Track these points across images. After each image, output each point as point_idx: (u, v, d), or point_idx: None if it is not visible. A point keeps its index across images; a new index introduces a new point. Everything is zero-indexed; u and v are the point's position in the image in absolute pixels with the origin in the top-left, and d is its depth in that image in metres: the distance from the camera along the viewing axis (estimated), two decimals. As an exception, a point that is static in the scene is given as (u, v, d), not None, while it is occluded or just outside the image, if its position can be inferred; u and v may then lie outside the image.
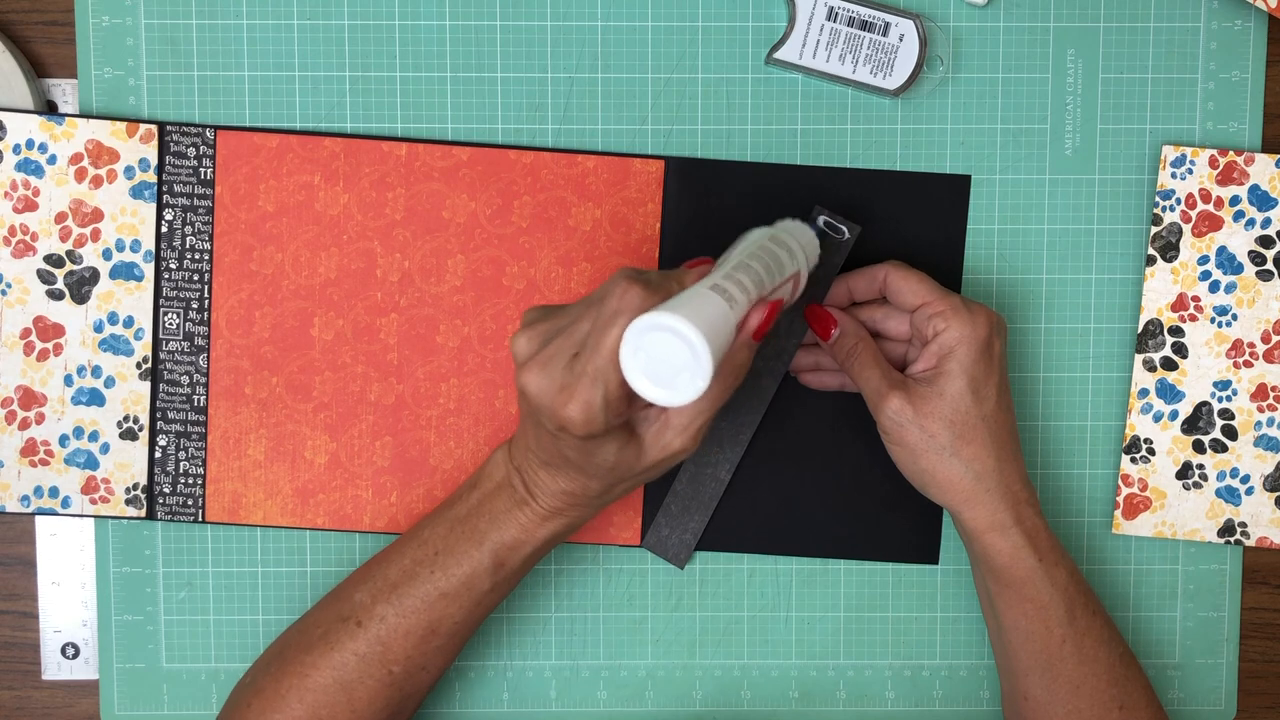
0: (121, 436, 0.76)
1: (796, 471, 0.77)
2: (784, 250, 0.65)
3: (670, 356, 0.55)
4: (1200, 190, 0.76)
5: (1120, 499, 0.78)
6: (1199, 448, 0.77)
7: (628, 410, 0.60)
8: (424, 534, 0.69)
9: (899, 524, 0.78)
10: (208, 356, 0.76)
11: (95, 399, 0.76)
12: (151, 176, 0.75)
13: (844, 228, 0.73)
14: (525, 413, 0.63)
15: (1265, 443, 0.77)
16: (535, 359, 0.60)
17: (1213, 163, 0.76)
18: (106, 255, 0.76)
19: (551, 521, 0.66)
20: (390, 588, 0.68)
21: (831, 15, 0.74)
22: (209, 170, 0.76)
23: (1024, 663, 0.71)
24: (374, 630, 0.68)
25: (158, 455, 0.76)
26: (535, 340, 0.61)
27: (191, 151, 0.75)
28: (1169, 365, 0.77)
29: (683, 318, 0.54)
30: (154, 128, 0.75)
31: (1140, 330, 0.77)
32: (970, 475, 0.69)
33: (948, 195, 0.77)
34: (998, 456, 0.69)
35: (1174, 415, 0.77)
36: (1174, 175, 0.76)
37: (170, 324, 0.76)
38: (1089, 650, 0.70)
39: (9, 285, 0.76)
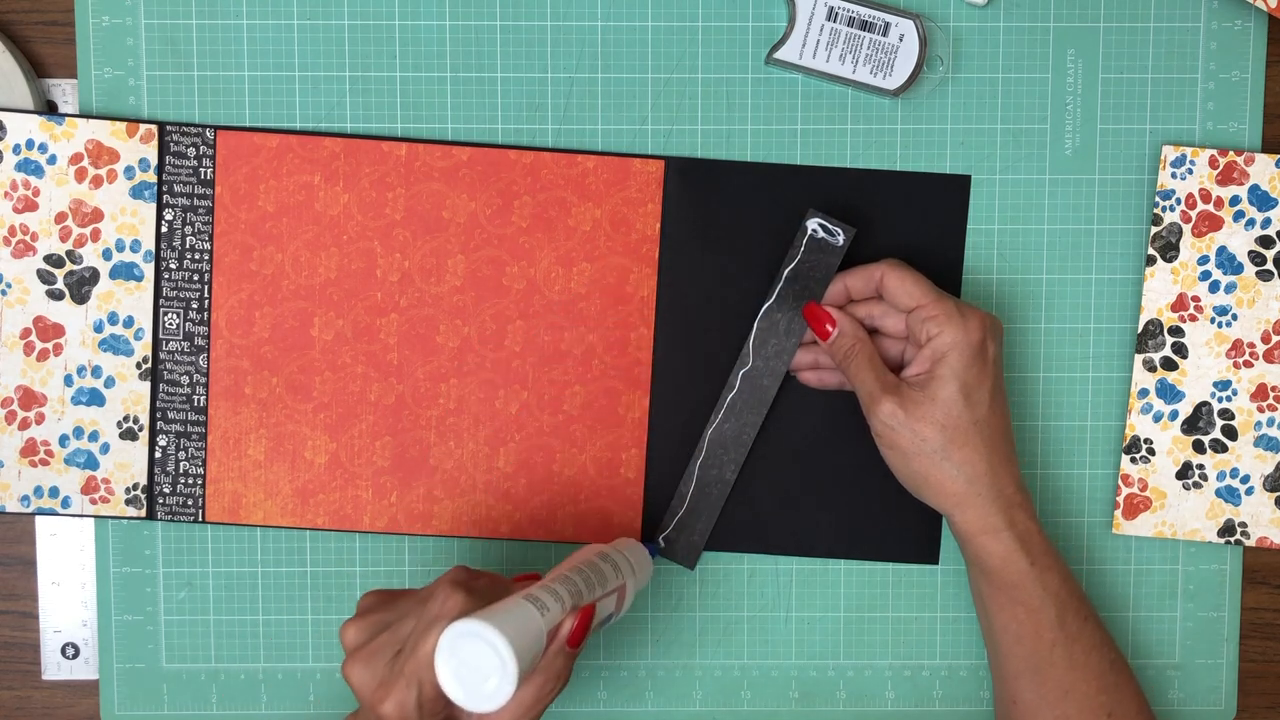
0: (121, 436, 0.76)
1: (796, 471, 0.77)
2: (609, 565, 0.68)
3: (480, 664, 0.58)
4: (1200, 190, 0.76)
5: (1120, 499, 0.78)
6: (1199, 448, 0.77)
7: (445, 711, 0.63)
8: None
9: (899, 524, 0.78)
10: (208, 356, 0.76)
11: (95, 399, 0.76)
12: (151, 176, 0.75)
13: (839, 230, 0.73)
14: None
15: (1265, 443, 0.77)
16: (361, 651, 0.63)
17: (1213, 163, 0.76)
18: (106, 255, 0.76)
19: None
20: None
21: (831, 15, 0.74)
22: (209, 170, 0.76)
23: (1014, 666, 0.71)
24: None
25: (158, 455, 0.76)
26: (364, 632, 0.64)
27: (191, 151, 0.75)
28: (1169, 365, 0.77)
29: (491, 625, 0.58)
30: (154, 128, 0.75)
31: (1140, 330, 0.77)
32: (962, 478, 0.69)
33: (948, 195, 0.77)
34: (990, 460, 0.69)
35: (1174, 415, 0.77)
36: (1174, 175, 0.76)
37: (170, 324, 0.76)
38: (1079, 656, 0.70)
39: (9, 285, 0.76)
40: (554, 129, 0.76)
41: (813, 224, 0.74)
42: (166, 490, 0.77)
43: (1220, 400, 0.77)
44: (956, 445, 0.69)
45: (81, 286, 0.76)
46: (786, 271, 0.74)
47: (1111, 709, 0.70)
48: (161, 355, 0.76)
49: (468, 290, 0.77)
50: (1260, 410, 0.77)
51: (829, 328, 0.72)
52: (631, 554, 0.71)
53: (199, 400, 0.76)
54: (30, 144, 0.75)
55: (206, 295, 0.76)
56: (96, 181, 0.75)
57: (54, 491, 0.76)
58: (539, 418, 0.77)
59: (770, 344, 0.75)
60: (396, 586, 0.78)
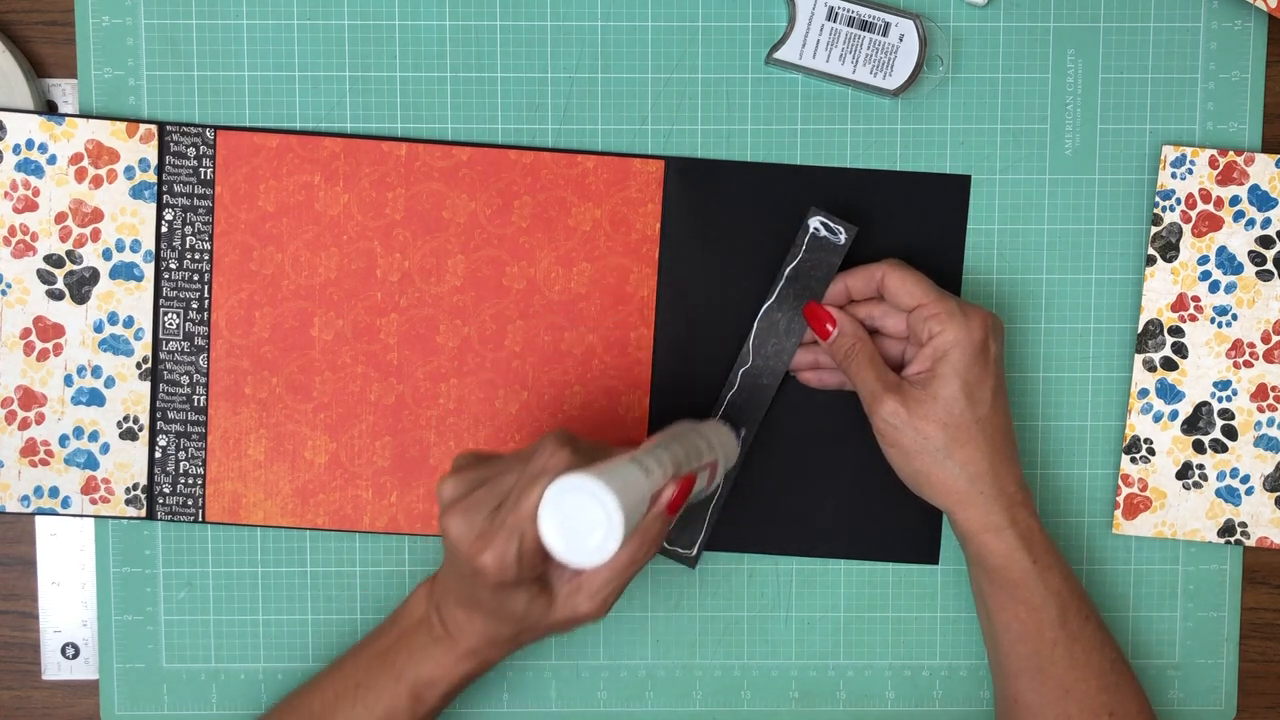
0: (121, 436, 0.76)
1: (797, 472, 0.77)
2: (703, 440, 0.69)
3: (585, 518, 0.58)
4: (1200, 190, 0.76)
5: (1120, 499, 0.78)
6: (1199, 448, 0.77)
7: (542, 565, 0.63)
8: (346, 666, 0.70)
9: (899, 524, 0.78)
10: (208, 356, 0.76)
11: (95, 399, 0.76)
12: (151, 176, 0.75)
13: (840, 229, 0.73)
14: (446, 554, 0.66)
15: (1265, 443, 0.77)
16: (459, 504, 0.63)
17: (1213, 163, 0.76)
18: (106, 255, 0.76)
19: (466, 661, 0.67)
20: (312, 718, 0.69)
21: (831, 15, 0.74)
22: (209, 170, 0.76)
23: (1015, 665, 0.71)
24: None
25: (158, 455, 0.76)
26: (461, 486, 0.64)
27: (191, 151, 0.75)
28: (1169, 365, 0.77)
29: (600, 481, 0.58)
30: (154, 128, 0.75)
31: (1140, 330, 0.77)
32: (964, 477, 0.69)
33: (948, 195, 0.77)
34: (992, 459, 0.69)
35: (1174, 415, 0.77)
36: (1174, 175, 0.76)
37: (170, 324, 0.76)
38: (1080, 655, 0.70)
39: (9, 285, 0.76)
40: (554, 129, 0.76)
41: (814, 222, 0.74)
42: (166, 490, 0.77)
43: (1220, 400, 0.77)
44: (959, 444, 0.69)
45: (81, 286, 0.76)
46: (787, 270, 0.74)
47: (1113, 708, 0.70)
48: (161, 355, 0.76)
49: (468, 290, 0.77)
50: (1260, 410, 0.77)
51: (829, 327, 0.72)
52: (720, 434, 0.71)
53: (199, 400, 0.76)
54: (30, 144, 0.75)
55: (206, 295, 0.76)
56: (96, 181, 0.75)
57: (54, 491, 0.76)
58: (539, 418, 0.77)
59: (770, 343, 0.75)
60: (396, 585, 0.78)
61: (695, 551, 0.77)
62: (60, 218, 0.75)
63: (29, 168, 0.75)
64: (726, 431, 0.73)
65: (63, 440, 0.76)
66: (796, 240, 0.74)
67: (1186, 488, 0.77)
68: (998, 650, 0.72)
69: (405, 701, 0.68)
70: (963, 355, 0.69)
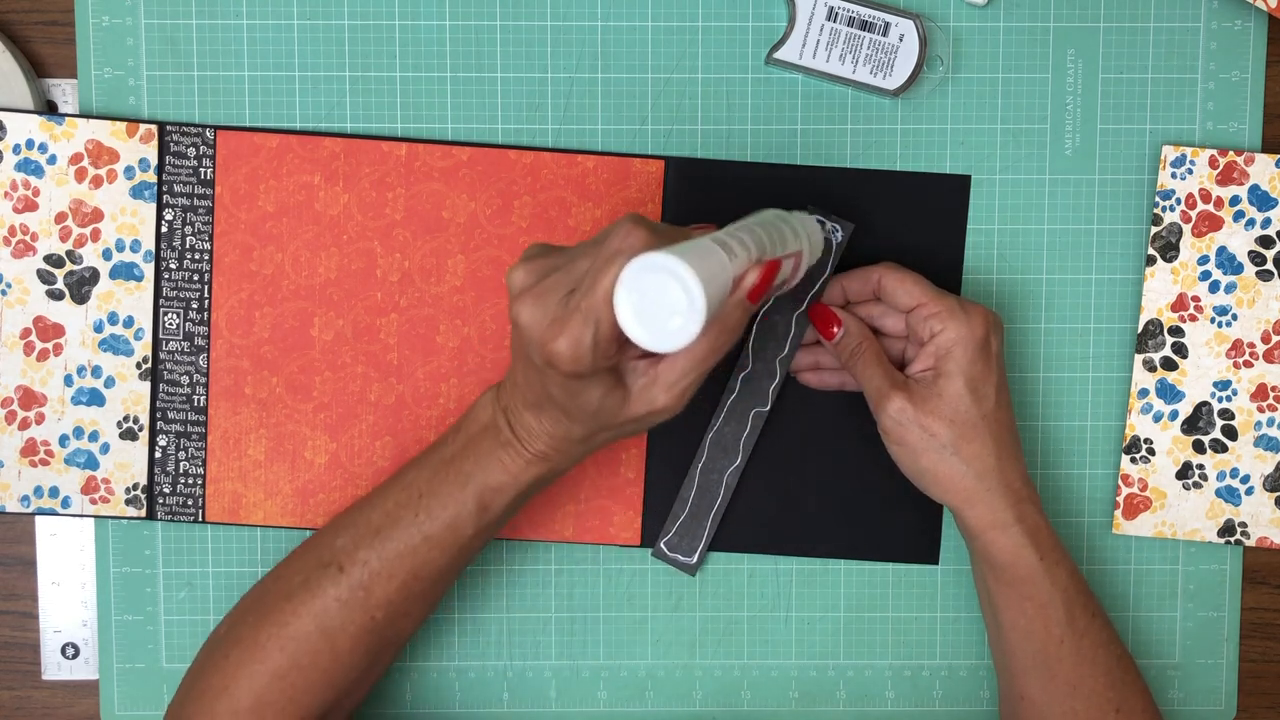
0: (121, 436, 0.76)
1: (796, 471, 0.77)
2: (790, 228, 0.65)
3: (664, 301, 0.54)
4: (1200, 190, 0.76)
5: (1120, 499, 0.78)
6: (1199, 448, 0.77)
7: (617, 354, 0.60)
8: (408, 477, 0.68)
9: (899, 524, 0.78)
10: (208, 356, 0.76)
11: (95, 399, 0.76)
12: (151, 176, 0.75)
13: (837, 226, 0.73)
14: (516, 348, 0.63)
15: (1265, 443, 0.77)
16: (531, 291, 0.60)
17: (1213, 163, 0.76)
18: (106, 255, 0.76)
19: (535, 466, 0.65)
20: (373, 532, 0.67)
21: (831, 15, 0.74)
22: (209, 170, 0.76)
23: (1022, 662, 0.71)
24: (356, 575, 0.67)
25: (158, 455, 0.76)
26: (532, 274, 0.60)
27: (191, 151, 0.75)
28: (1169, 365, 0.77)
29: (681, 260, 0.54)
30: (154, 128, 0.75)
31: (1140, 330, 0.77)
32: (971, 474, 0.69)
33: (948, 195, 0.77)
34: (998, 455, 0.69)
35: (1174, 415, 0.77)
36: (1174, 175, 0.76)
37: (170, 324, 0.76)
38: (1087, 651, 0.70)
39: (9, 285, 0.76)
40: (554, 129, 0.76)
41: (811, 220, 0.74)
42: (166, 490, 0.77)
43: (1220, 400, 0.77)
44: (965, 440, 0.69)
45: (81, 286, 0.76)
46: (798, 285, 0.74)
47: (1119, 704, 0.70)
48: (161, 355, 0.76)
49: (468, 290, 0.77)
50: (1260, 410, 0.77)
51: (835, 328, 0.72)
52: (808, 225, 0.68)
53: (199, 400, 0.76)
54: (30, 144, 0.75)
55: (206, 295, 0.76)
56: (96, 181, 0.75)
57: (54, 491, 0.76)
58: (539, 418, 0.77)
59: (769, 346, 0.75)
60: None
61: (696, 559, 0.77)
62: (60, 218, 0.75)
63: (29, 168, 0.75)
64: (814, 223, 0.68)
65: (63, 440, 0.76)
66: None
67: (1186, 488, 0.77)
68: (1004, 648, 0.72)
69: (471, 509, 0.66)
70: (965, 352, 0.69)
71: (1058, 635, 0.70)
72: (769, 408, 0.76)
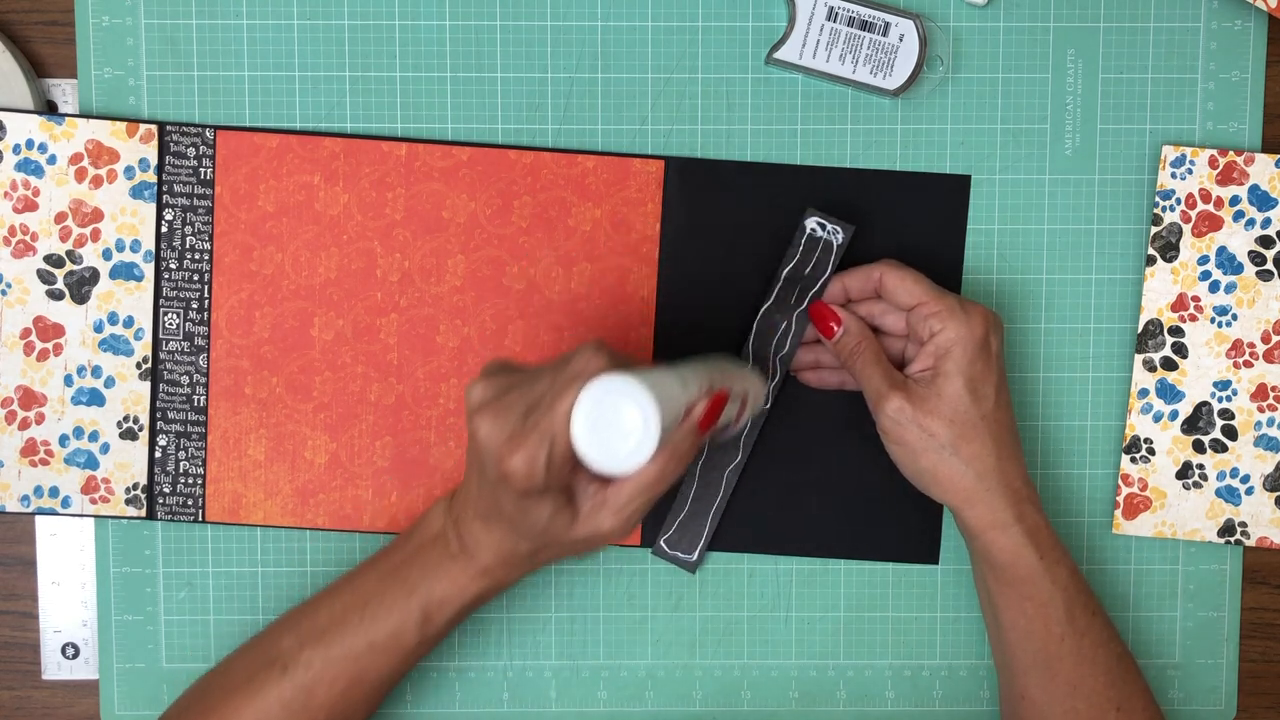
0: (121, 436, 0.76)
1: (796, 471, 0.77)
2: (737, 372, 0.68)
3: (620, 425, 0.56)
4: (1200, 190, 0.76)
5: (1120, 499, 0.78)
6: (1199, 448, 0.77)
7: (570, 476, 0.61)
8: (356, 581, 0.69)
9: (899, 524, 0.78)
10: (208, 356, 0.76)
11: (95, 399, 0.76)
12: (151, 176, 0.75)
13: (838, 229, 0.73)
14: (471, 460, 0.64)
15: (1265, 443, 0.77)
16: (491, 406, 0.61)
17: (1213, 163, 0.76)
18: (106, 255, 0.76)
19: (480, 580, 0.66)
20: (319, 634, 0.68)
21: (831, 15, 0.74)
22: (209, 170, 0.76)
23: (1022, 662, 0.71)
24: (299, 677, 0.67)
25: (158, 455, 0.76)
26: (492, 389, 0.62)
27: (191, 151, 0.75)
28: (1169, 365, 0.77)
29: (639, 384, 0.56)
30: (154, 128, 0.75)
31: (1140, 330, 0.77)
32: (971, 474, 0.69)
33: (948, 195, 0.77)
34: (998, 455, 0.69)
35: (1174, 415, 0.77)
36: (1174, 175, 0.76)
37: (170, 324, 0.76)
38: (1087, 650, 0.70)
39: (9, 285, 0.76)
40: (554, 129, 0.76)
41: (811, 222, 0.74)
42: (166, 490, 0.77)
43: (1220, 400, 0.77)
44: (965, 440, 0.69)
45: (81, 286, 0.76)
46: (785, 272, 0.74)
47: (1120, 703, 0.70)
48: (161, 355, 0.76)
49: (468, 290, 0.77)
50: (1260, 410, 0.77)
51: (834, 326, 0.72)
52: (751, 378, 0.70)
53: (199, 400, 0.76)
54: (30, 144, 0.75)
55: (206, 295, 0.76)
56: (96, 181, 0.75)
57: (54, 491, 0.76)
58: (539, 418, 0.77)
59: (770, 344, 0.75)
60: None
61: (696, 556, 0.77)
62: (60, 218, 0.75)
63: (29, 168, 0.75)
64: (757, 377, 0.71)
65: (63, 440, 0.76)
66: (793, 241, 0.74)
67: (1186, 488, 0.77)
68: (1004, 647, 0.72)
69: (415, 619, 0.67)
70: (965, 352, 0.69)
71: (1058, 634, 0.70)
72: (769, 405, 0.76)
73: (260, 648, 0.69)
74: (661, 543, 0.77)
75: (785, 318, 0.74)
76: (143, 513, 0.77)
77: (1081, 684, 0.70)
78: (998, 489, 0.69)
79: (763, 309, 0.75)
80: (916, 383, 0.70)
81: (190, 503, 0.77)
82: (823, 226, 0.73)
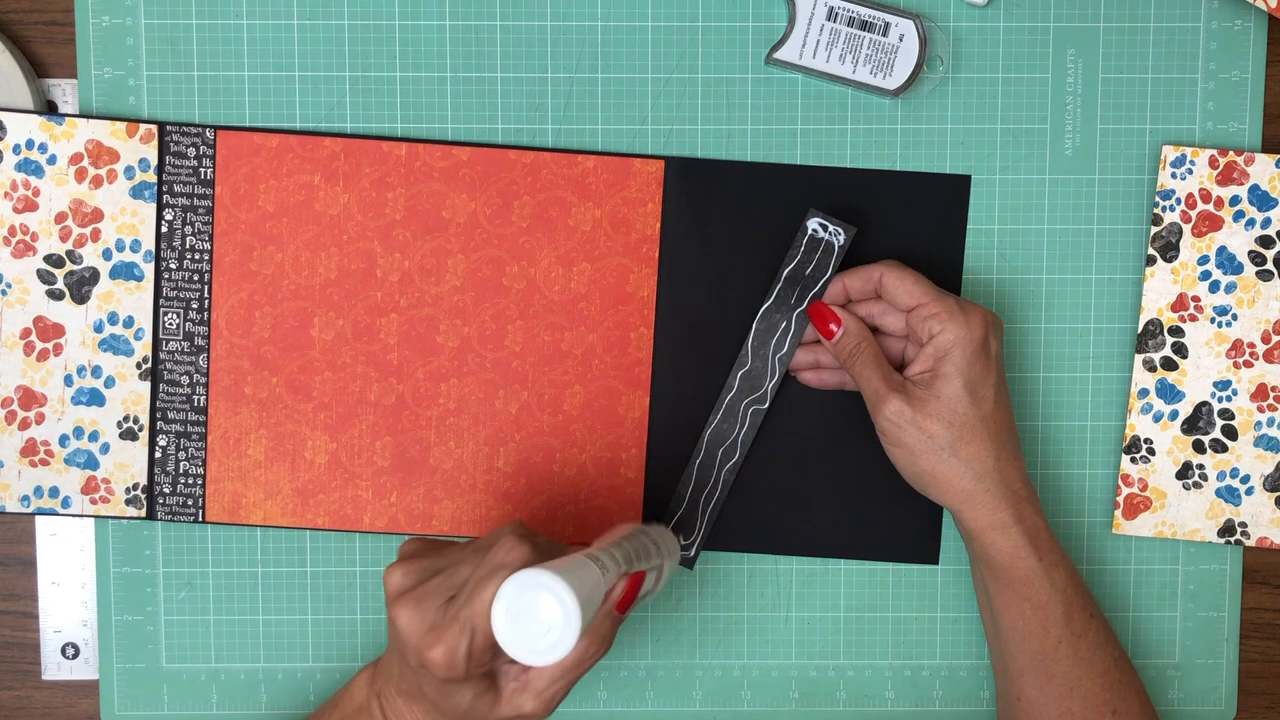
0: (121, 436, 0.76)
1: (796, 471, 0.77)
2: (650, 542, 0.68)
3: (541, 615, 0.57)
4: (1200, 190, 0.76)
5: (1120, 499, 0.78)
6: (1199, 448, 0.77)
7: (491, 662, 0.61)
8: None
9: (899, 524, 0.78)
10: (208, 356, 0.76)
11: (95, 399, 0.76)
12: (151, 176, 0.75)
13: (839, 230, 0.73)
14: (392, 643, 0.64)
15: (1265, 443, 0.77)
16: (411, 594, 0.62)
17: (1213, 163, 0.76)
18: (106, 255, 0.76)
19: None
20: None
21: (831, 15, 0.74)
22: (209, 170, 0.76)
23: (1019, 662, 0.71)
24: None
25: (158, 455, 0.76)
26: (411, 575, 0.62)
27: (191, 151, 0.75)
28: (1169, 365, 0.77)
29: (560, 578, 0.57)
30: (154, 128, 0.75)
31: (1140, 330, 0.77)
32: (970, 475, 0.69)
33: (948, 195, 0.77)
34: (997, 456, 0.69)
35: (1174, 415, 0.77)
36: (1174, 175, 0.76)
37: (170, 324, 0.76)
38: (1084, 653, 0.70)
39: (9, 285, 0.76)
40: (554, 129, 0.76)
41: (812, 224, 0.74)
42: (166, 490, 0.77)
43: (1220, 400, 0.77)
44: (964, 441, 0.69)
45: (81, 286, 0.76)
46: (785, 272, 0.74)
47: (1115, 706, 0.70)
48: (161, 355, 0.76)
49: (468, 290, 0.77)
50: (1260, 410, 0.77)
51: (834, 327, 0.72)
52: (666, 539, 0.71)
53: (199, 400, 0.76)
54: (30, 144, 0.75)
55: (206, 295, 0.76)
56: (96, 181, 0.75)
57: (54, 491, 0.76)
58: (539, 418, 0.77)
59: (769, 344, 0.75)
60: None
61: (693, 553, 0.77)
62: (60, 218, 0.75)
63: (29, 168, 0.75)
64: (671, 537, 0.72)
65: (63, 440, 0.76)
66: (794, 241, 0.74)
67: (1186, 488, 0.77)
68: (1002, 648, 0.72)
69: None
70: (964, 353, 0.69)
71: (1055, 636, 0.70)
72: (768, 405, 0.76)
73: None
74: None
75: (785, 318, 0.74)
76: (143, 513, 0.77)
77: (1078, 686, 0.70)
78: (997, 490, 0.69)
79: (762, 309, 0.75)
80: (915, 384, 0.70)
81: (190, 503, 0.77)
82: (824, 228, 0.73)
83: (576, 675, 0.62)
